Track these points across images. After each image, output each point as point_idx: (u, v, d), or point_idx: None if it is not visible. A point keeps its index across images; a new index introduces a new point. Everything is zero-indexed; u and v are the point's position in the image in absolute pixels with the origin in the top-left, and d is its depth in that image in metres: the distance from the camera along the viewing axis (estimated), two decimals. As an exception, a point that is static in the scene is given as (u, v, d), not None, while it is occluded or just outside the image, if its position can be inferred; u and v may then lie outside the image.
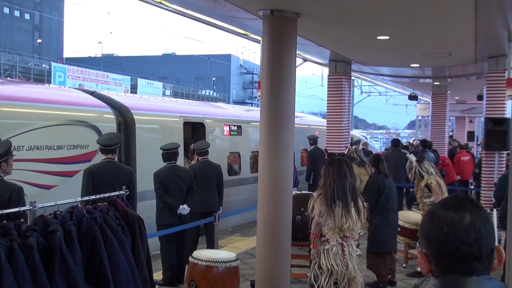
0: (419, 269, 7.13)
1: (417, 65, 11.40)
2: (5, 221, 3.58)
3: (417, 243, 1.66)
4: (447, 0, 5.81)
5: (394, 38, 7.82)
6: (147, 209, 7.37)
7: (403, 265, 7.92)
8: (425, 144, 13.84)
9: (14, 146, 6.62)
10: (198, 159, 8.69)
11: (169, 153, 7.20)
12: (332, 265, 5.03)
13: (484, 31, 7.61)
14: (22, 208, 3.91)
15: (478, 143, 22.54)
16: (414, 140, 21.20)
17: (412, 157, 7.77)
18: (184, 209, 7.08)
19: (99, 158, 6.52)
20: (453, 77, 14.18)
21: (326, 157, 5.57)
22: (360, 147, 12.89)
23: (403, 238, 7.91)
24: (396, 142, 13.33)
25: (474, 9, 6.07)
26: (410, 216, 8.04)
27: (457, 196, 1.63)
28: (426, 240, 1.57)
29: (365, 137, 23.10)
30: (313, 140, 12.42)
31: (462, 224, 1.51)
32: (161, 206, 7.05)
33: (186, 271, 6.02)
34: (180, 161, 9.67)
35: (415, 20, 6.75)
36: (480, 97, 15.69)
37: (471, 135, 24.37)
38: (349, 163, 5.42)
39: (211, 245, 7.93)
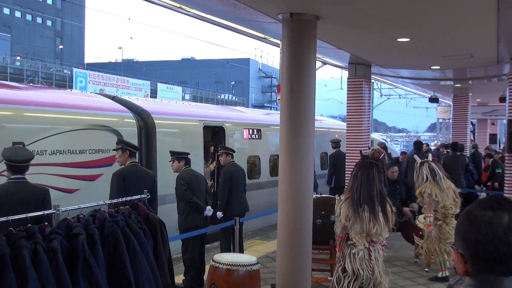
0: (440, 274, 7.12)
1: (438, 67, 11.27)
2: (29, 224, 3.64)
3: (452, 245, 1.63)
4: (469, 1, 5.74)
5: (415, 40, 7.75)
6: (167, 213, 7.41)
7: (426, 269, 7.80)
8: (455, 147, 12.51)
9: (38, 151, 6.74)
10: (216, 162, 8.80)
11: (185, 158, 7.31)
12: (358, 269, 4.99)
13: (506, 32, 7.49)
14: (46, 212, 3.96)
15: (501, 146, 22.22)
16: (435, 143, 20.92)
17: (418, 159, 7.85)
18: (210, 210, 7.19)
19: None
20: (475, 79, 13.97)
21: (360, 159, 5.48)
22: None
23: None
24: (418, 145, 12.85)
25: (497, 10, 5.98)
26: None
27: (494, 196, 1.60)
28: (462, 240, 1.54)
29: (385, 140, 22.87)
30: (336, 143, 12.40)
31: (500, 224, 1.48)
32: (187, 209, 7.06)
33: (207, 274, 6.04)
34: (200, 164, 9.73)
35: (437, 22, 6.68)
36: (502, 99, 15.45)
37: (493, 138, 24.02)
38: (380, 168, 5.30)
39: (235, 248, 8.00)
